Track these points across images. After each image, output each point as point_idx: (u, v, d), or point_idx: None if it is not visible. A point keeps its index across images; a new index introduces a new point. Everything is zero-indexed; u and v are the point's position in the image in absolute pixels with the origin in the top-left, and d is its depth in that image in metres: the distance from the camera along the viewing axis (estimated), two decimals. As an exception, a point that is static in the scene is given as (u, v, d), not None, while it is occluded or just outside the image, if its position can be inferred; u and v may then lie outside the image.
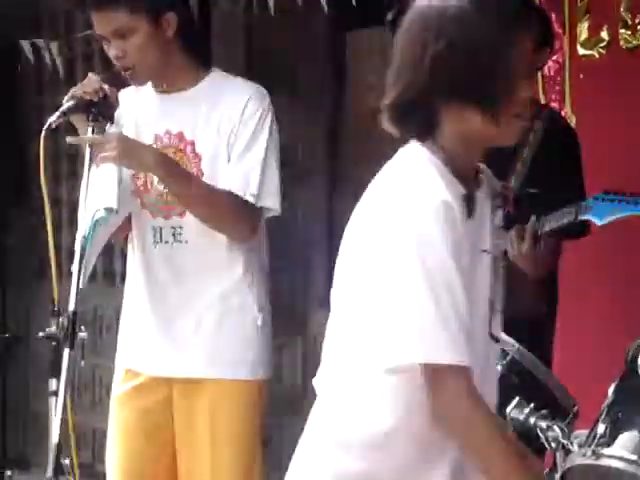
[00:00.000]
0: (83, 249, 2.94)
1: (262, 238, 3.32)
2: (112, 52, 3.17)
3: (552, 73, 4.74)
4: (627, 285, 4.32)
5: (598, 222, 3.23)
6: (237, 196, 3.18)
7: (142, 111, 3.31)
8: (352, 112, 6.53)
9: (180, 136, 3.24)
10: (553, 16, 4.68)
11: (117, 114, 3.17)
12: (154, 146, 3.25)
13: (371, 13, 6.37)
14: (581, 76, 4.61)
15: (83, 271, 2.97)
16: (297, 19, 6.54)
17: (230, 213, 3.18)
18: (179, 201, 3.18)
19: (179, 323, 3.24)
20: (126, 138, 3.10)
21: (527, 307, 2.88)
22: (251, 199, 3.18)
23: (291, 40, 6.49)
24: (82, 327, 2.92)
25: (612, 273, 4.40)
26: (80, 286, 2.91)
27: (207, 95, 3.25)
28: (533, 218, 3.35)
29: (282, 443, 6.03)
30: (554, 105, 4.49)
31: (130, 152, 3.06)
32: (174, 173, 3.15)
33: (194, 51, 3.27)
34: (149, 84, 3.30)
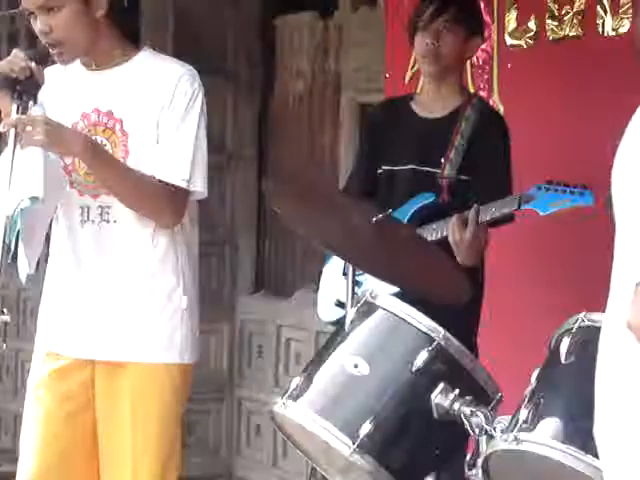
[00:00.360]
0: (5, 230, 2.89)
1: (191, 220, 3.28)
2: (38, 27, 3.11)
3: (481, 62, 4.77)
4: (548, 271, 4.37)
5: (541, 212, 3.26)
6: (167, 182, 3.15)
7: (70, 89, 3.26)
8: (281, 96, 6.52)
9: (109, 114, 3.19)
10: (482, 5, 4.72)
11: (41, 93, 3.11)
12: (82, 124, 3.20)
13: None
14: (509, 65, 4.65)
15: (19, 257, 2.93)
16: (227, 3, 6.51)
17: (159, 200, 3.15)
18: (106, 188, 3.14)
19: (102, 304, 3.19)
20: (52, 122, 3.04)
21: (454, 293, 2.90)
22: (183, 184, 3.15)
23: (220, 24, 6.45)
24: (4, 310, 2.87)
25: (533, 260, 4.45)
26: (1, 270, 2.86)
27: (137, 73, 3.20)
28: (476, 206, 3.37)
29: (207, 429, 6.04)
30: (482, 94, 4.52)
31: (56, 137, 3.01)
32: (102, 160, 3.10)
33: (124, 29, 3.22)
34: (77, 62, 3.24)
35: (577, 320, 2.41)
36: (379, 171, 3.78)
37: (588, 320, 2.38)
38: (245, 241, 6.28)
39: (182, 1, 6.32)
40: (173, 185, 3.14)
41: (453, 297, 2.92)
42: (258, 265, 6.32)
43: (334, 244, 3.02)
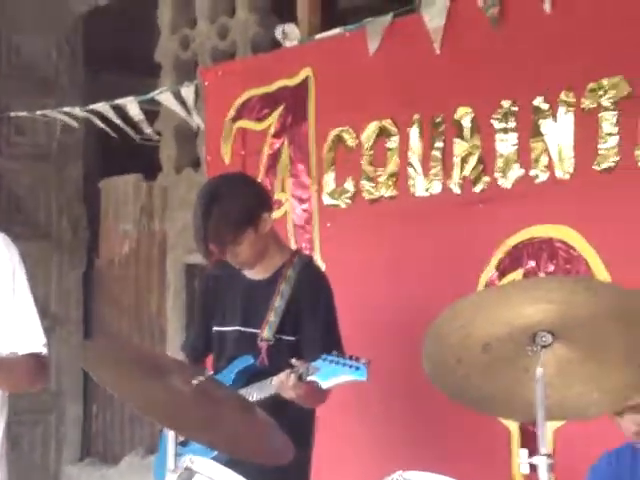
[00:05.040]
0: None
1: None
2: None
3: (302, 222, 4.88)
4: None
5: (323, 385, 3.31)
6: (32, 355, 3.12)
7: None
8: (107, 257, 6.49)
9: None
10: (301, 167, 4.87)
11: None
12: None
13: (125, 161, 6.43)
14: (328, 225, 4.77)
15: None
16: (50, 169, 6.52)
17: (32, 375, 3.13)
18: None
19: None
20: None
21: (276, 454, 2.89)
22: (44, 350, 3.13)
23: (45, 189, 6.44)
24: None
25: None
26: None
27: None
28: (295, 369, 3.40)
29: None
30: (306, 253, 4.61)
31: None
32: None
33: None
34: None
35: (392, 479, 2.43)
36: (212, 331, 3.80)
37: (403, 479, 2.41)
38: (71, 407, 6.13)
39: (6, 168, 6.30)
40: (36, 354, 3.11)
41: (276, 458, 2.90)
42: (85, 431, 6.17)
43: (153, 408, 2.98)
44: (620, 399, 2.56)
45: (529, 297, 2.38)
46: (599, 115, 3.78)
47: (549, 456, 2.36)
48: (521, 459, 2.37)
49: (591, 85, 3.78)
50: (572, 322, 2.44)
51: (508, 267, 4.07)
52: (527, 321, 2.42)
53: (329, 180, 4.76)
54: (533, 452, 2.51)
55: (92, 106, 5.68)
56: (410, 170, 4.42)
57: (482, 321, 2.38)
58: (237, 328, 3.72)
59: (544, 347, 2.43)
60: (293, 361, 3.38)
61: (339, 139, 4.70)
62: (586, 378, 2.52)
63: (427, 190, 4.36)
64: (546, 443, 2.38)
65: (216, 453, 3.09)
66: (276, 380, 3.43)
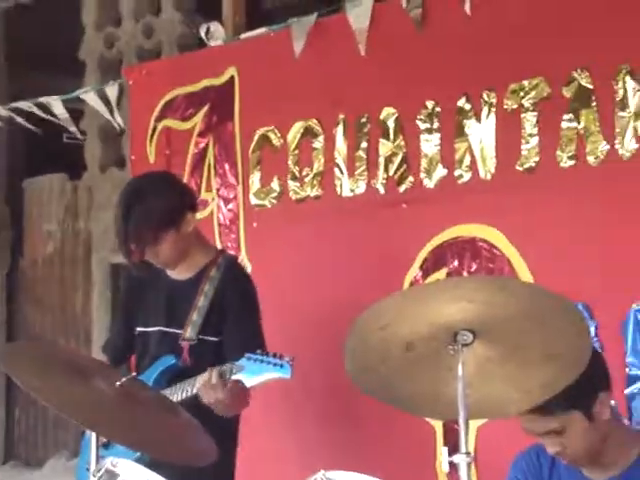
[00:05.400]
0: None
1: None
2: None
3: (228, 222, 4.87)
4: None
5: (247, 383, 3.31)
6: None
7: None
8: (31, 258, 6.42)
9: None
10: (227, 167, 4.85)
11: None
12: None
13: (49, 160, 6.36)
14: (255, 225, 4.76)
15: None
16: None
17: None
18: None
19: None
20: None
21: (199, 454, 2.88)
22: None
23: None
24: None
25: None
26: None
27: None
28: (219, 367, 3.38)
29: None
30: (231, 252, 4.59)
31: None
32: None
33: None
34: None
35: (316, 479, 2.43)
36: (135, 332, 3.77)
37: (327, 479, 2.41)
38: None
39: None
40: None
41: (199, 459, 2.89)
42: (8, 435, 6.08)
43: (76, 410, 2.95)
44: (538, 398, 2.59)
45: (450, 296, 2.40)
46: (521, 116, 3.82)
47: (469, 454, 2.39)
48: (441, 457, 2.39)
49: (512, 86, 3.83)
50: (492, 321, 2.46)
51: (432, 267, 4.10)
52: (449, 320, 2.44)
53: (255, 180, 4.75)
54: (457, 450, 2.54)
55: (15, 104, 5.60)
56: (336, 170, 4.44)
57: (405, 320, 2.40)
58: (160, 328, 3.70)
59: (465, 346, 2.45)
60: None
61: (265, 139, 4.69)
62: (505, 377, 2.54)
63: (352, 190, 4.38)
64: (467, 441, 2.40)
65: (139, 455, 3.07)
66: (200, 379, 3.42)
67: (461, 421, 2.39)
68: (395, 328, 2.39)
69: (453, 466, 2.49)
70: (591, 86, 3.62)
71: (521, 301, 2.48)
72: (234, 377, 3.33)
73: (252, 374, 3.32)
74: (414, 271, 4.15)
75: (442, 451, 2.39)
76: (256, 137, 4.71)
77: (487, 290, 2.47)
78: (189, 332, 3.61)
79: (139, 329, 3.77)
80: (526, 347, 2.53)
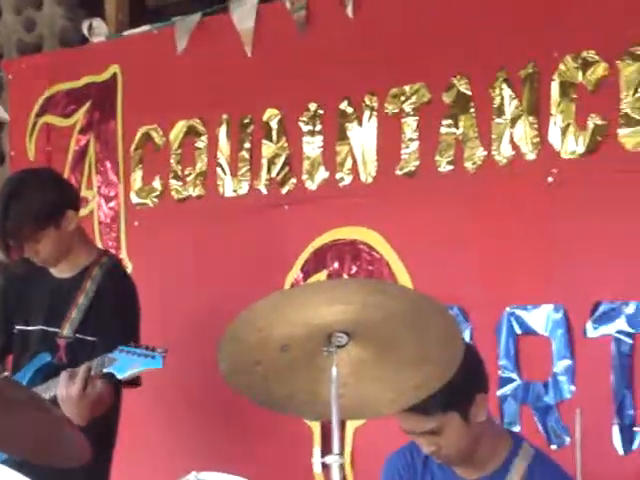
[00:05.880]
0: None
1: None
2: None
3: (109, 220, 4.82)
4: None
5: (119, 376, 3.28)
6: None
7: None
8: None
9: None
10: (108, 165, 4.80)
11: None
12: None
13: None
14: (136, 223, 4.72)
15: None
16: None
17: None
18: None
19: None
20: None
21: (71, 455, 2.83)
22: None
23: None
24: None
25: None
26: None
27: None
28: (87, 363, 3.34)
29: None
30: (111, 251, 4.54)
31: None
32: None
33: None
34: None
35: (187, 480, 2.43)
36: (14, 330, 3.71)
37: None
38: None
39: None
40: None
41: (71, 459, 2.84)
42: None
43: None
44: (411, 399, 2.62)
45: (326, 298, 2.42)
46: (402, 120, 3.87)
47: (341, 455, 2.40)
48: (314, 458, 2.40)
49: (393, 90, 3.87)
50: (367, 323, 2.48)
51: (313, 268, 4.12)
52: (324, 322, 2.45)
53: (136, 178, 4.71)
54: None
55: None
56: (218, 170, 4.43)
57: (280, 322, 2.40)
58: (41, 327, 3.65)
59: (339, 347, 2.47)
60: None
61: (147, 137, 4.66)
62: (380, 378, 2.57)
63: (235, 191, 4.38)
64: (342, 442, 2.42)
65: (6, 456, 3.01)
66: (65, 373, 3.34)
67: (334, 422, 2.41)
68: (271, 329, 2.39)
69: (328, 467, 2.51)
70: (470, 92, 3.68)
71: (396, 304, 2.51)
72: (105, 370, 3.28)
73: (125, 367, 3.29)
74: (295, 272, 4.16)
75: (314, 452, 2.40)
76: (138, 135, 4.67)
77: (362, 292, 2.49)
78: (66, 330, 3.56)
79: (18, 327, 3.70)
80: (400, 349, 2.56)
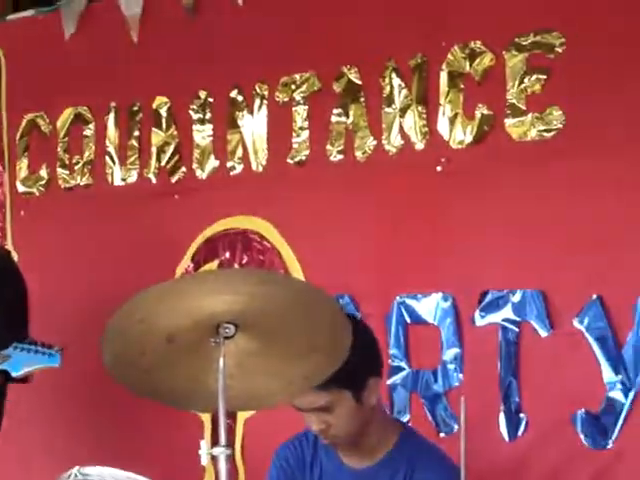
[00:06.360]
0: None
1: None
2: None
3: (-7, 209, 4.71)
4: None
5: (14, 373, 3.21)
6: None
7: None
8: None
9: None
10: (-6, 153, 4.70)
11: None
12: None
13: None
14: (22, 213, 4.62)
15: None
16: None
17: None
18: None
19: None
20: None
21: None
22: None
23: None
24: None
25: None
26: None
27: None
28: None
29: None
30: (3, 246, 4.45)
31: None
32: None
33: None
34: None
35: (70, 475, 2.38)
36: None
37: (82, 474, 2.36)
38: None
39: None
40: None
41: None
42: None
43: None
44: (300, 389, 2.61)
45: (212, 289, 2.38)
46: (292, 109, 3.85)
47: (228, 446, 2.38)
48: (201, 450, 2.37)
49: (284, 79, 3.85)
50: (255, 314, 2.46)
51: (204, 258, 4.09)
52: (211, 312, 2.42)
53: (22, 167, 4.62)
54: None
55: None
56: (107, 159, 4.36)
57: (164, 313, 2.36)
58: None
59: (227, 338, 2.44)
60: None
61: (33, 125, 4.56)
62: (268, 368, 2.55)
63: (124, 179, 4.32)
64: (227, 434, 2.39)
65: None
66: None
67: (221, 414, 2.38)
68: (154, 320, 2.35)
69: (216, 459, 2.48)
70: (360, 82, 3.68)
71: (284, 294, 2.49)
72: (2, 367, 3.22)
73: (19, 363, 3.23)
74: (186, 262, 4.12)
75: (201, 444, 2.38)
76: (24, 123, 4.58)
77: (249, 283, 2.46)
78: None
79: None
80: (289, 339, 2.55)
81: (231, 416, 3.86)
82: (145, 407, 3.58)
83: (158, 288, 2.36)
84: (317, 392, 2.73)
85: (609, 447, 3.11)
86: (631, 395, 3.07)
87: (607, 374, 3.10)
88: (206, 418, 3.94)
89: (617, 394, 3.09)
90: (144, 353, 2.41)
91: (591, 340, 3.14)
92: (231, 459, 3.86)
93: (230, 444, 3.77)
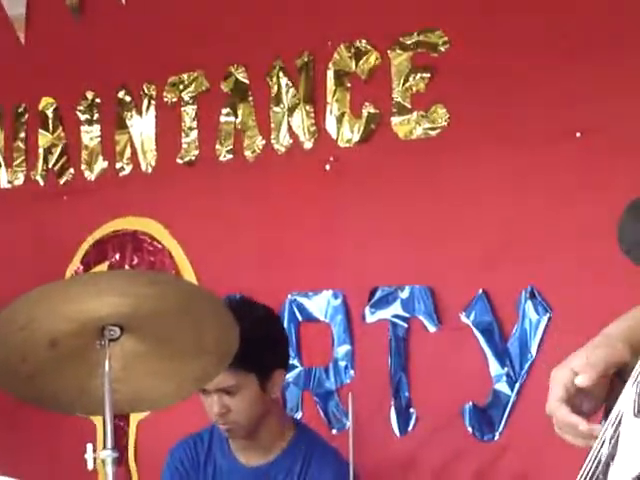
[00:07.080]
0: None
1: None
2: None
3: None
4: None
5: None
6: None
7: None
8: None
9: None
10: None
11: None
12: None
13: None
14: None
15: None
16: None
17: None
18: None
19: None
20: None
21: None
22: None
23: None
24: None
25: None
26: None
27: None
28: None
29: None
30: None
31: None
32: None
33: None
34: None
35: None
36: None
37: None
38: None
39: None
40: None
41: None
42: None
43: None
44: (190, 391, 2.62)
45: (94, 291, 2.37)
46: (181, 109, 3.83)
47: (114, 449, 2.36)
48: (87, 454, 2.35)
49: (172, 79, 3.83)
50: (141, 316, 2.45)
51: (94, 260, 4.04)
52: (95, 315, 2.40)
53: None
54: (118, 445, 2.52)
55: None
56: (-6, 160, 4.29)
57: (46, 317, 2.34)
58: None
59: (112, 341, 2.42)
60: None
61: None
62: (157, 370, 2.54)
63: (10, 182, 4.27)
64: (113, 437, 2.38)
65: None
66: None
67: (107, 417, 2.37)
68: (35, 326, 2.32)
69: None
70: (247, 81, 3.67)
71: (171, 296, 2.49)
72: None
73: None
74: (75, 264, 4.08)
75: (87, 448, 2.35)
76: None
77: (135, 284, 2.45)
78: None
79: None
80: (178, 341, 2.55)
81: (123, 418, 3.83)
82: (34, 412, 3.54)
83: (40, 291, 2.34)
84: (225, 373, 2.74)
85: (496, 439, 3.17)
86: (516, 387, 3.12)
87: (494, 367, 3.15)
88: (98, 421, 3.90)
89: (503, 387, 3.14)
90: (25, 360, 2.39)
91: (478, 334, 3.18)
92: (124, 461, 3.86)
93: (124, 446, 3.76)
